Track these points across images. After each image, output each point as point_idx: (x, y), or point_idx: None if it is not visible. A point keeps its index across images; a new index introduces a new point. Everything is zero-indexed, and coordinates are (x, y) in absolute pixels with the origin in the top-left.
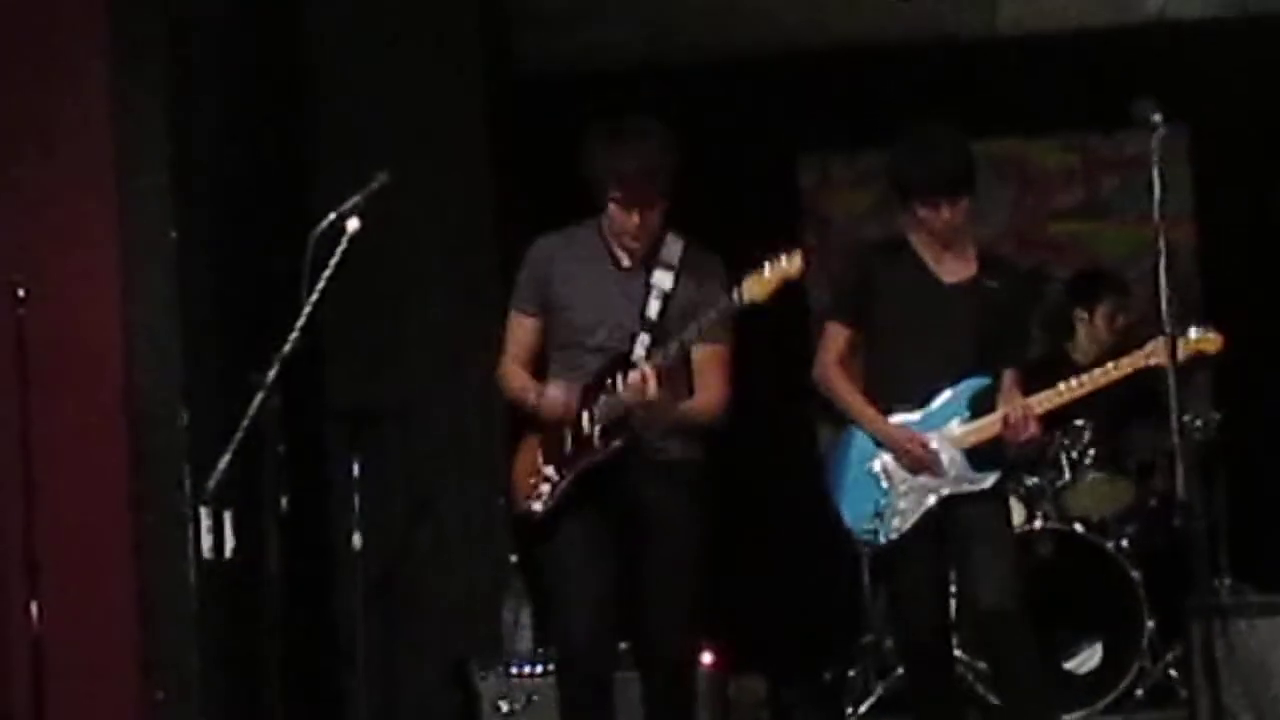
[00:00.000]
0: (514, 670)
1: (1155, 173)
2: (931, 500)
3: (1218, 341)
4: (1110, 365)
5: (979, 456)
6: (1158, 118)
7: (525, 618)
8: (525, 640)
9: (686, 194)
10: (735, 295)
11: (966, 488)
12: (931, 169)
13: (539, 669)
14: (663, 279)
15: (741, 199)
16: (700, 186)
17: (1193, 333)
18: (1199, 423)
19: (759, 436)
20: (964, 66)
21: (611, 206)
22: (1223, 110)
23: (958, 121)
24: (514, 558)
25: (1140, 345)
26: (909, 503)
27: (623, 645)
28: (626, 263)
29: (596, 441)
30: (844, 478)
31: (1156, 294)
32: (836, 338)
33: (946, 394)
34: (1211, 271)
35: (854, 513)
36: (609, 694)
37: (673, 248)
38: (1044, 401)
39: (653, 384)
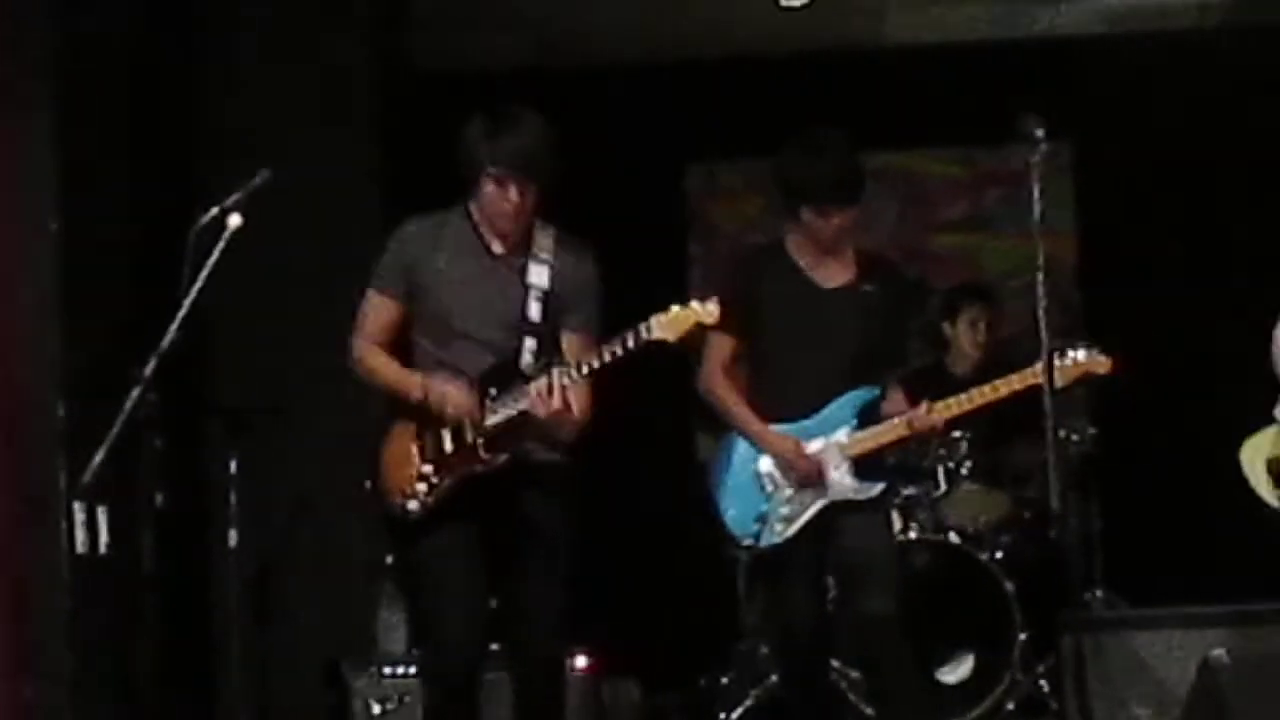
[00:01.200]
0: (386, 671)
1: (1036, 188)
2: (815, 507)
3: (1107, 364)
4: (1014, 377)
5: (865, 466)
6: (1041, 133)
7: (399, 619)
8: (399, 641)
9: (574, 200)
10: (643, 330)
11: (851, 496)
12: (823, 176)
13: (412, 670)
14: (539, 276)
15: (628, 206)
16: (587, 193)
17: (1082, 354)
18: (1075, 436)
19: (637, 442)
20: (851, 77)
21: (488, 187)
22: (1106, 127)
23: (844, 131)
24: (390, 558)
25: (1018, 358)
26: (792, 509)
27: (493, 647)
28: (498, 249)
29: (482, 451)
30: (727, 482)
31: (1036, 308)
32: (720, 347)
33: (833, 403)
34: (1091, 287)
35: (737, 517)
36: (476, 696)
37: (544, 239)
38: (950, 408)
39: (558, 400)
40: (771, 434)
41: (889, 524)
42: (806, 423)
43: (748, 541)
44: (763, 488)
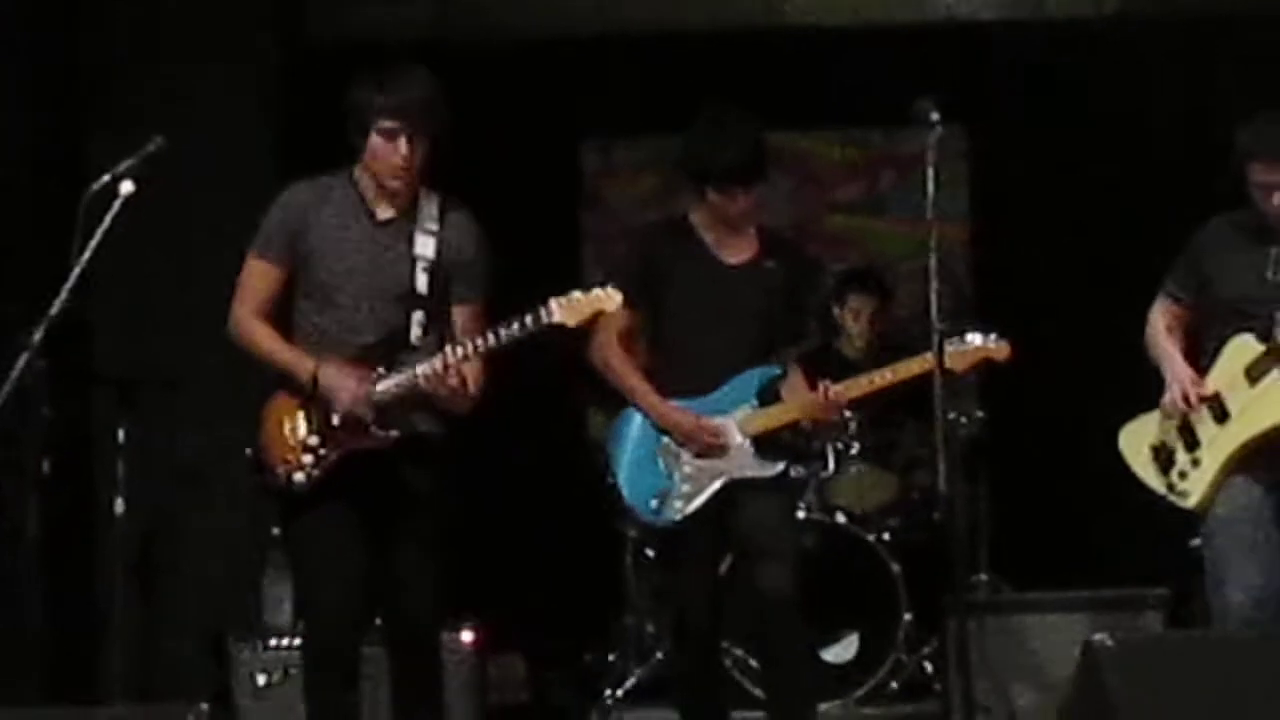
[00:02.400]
0: (271, 643)
1: (931, 172)
2: (715, 485)
3: (1005, 350)
4: (914, 361)
5: (766, 445)
6: (937, 117)
7: (285, 591)
8: (284, 614)
9: (469, 175)
10: (542, 313)
11: (751, 475)
12: (730, 157)
13: (296, 642)
14: (425, 246)
15: (523, 182)
16: (482, 168)
17: (979, 339)
18: (963, 420)
19: (526, 417)
20: (751, 57)
21: (377, 140)
22: (1002, 113)
23: (749, 111)
24: (275, 530)
25: (910, 341)
26: (692, 486)
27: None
28: (382, 215)
29: (372, 427)
30: (625, 457)
31: (929, 293)
32: (617, 319)
33: (733, 381)
34: (984, 272)
35: (636, 494)
36: (356, 670)
37: (430, 207)
38: (851, 390)
39: (454, 378)
40: (669, 408)
41: (792, 504)
42: (706, 399)
43: (647, 519)
44: (662, 465)
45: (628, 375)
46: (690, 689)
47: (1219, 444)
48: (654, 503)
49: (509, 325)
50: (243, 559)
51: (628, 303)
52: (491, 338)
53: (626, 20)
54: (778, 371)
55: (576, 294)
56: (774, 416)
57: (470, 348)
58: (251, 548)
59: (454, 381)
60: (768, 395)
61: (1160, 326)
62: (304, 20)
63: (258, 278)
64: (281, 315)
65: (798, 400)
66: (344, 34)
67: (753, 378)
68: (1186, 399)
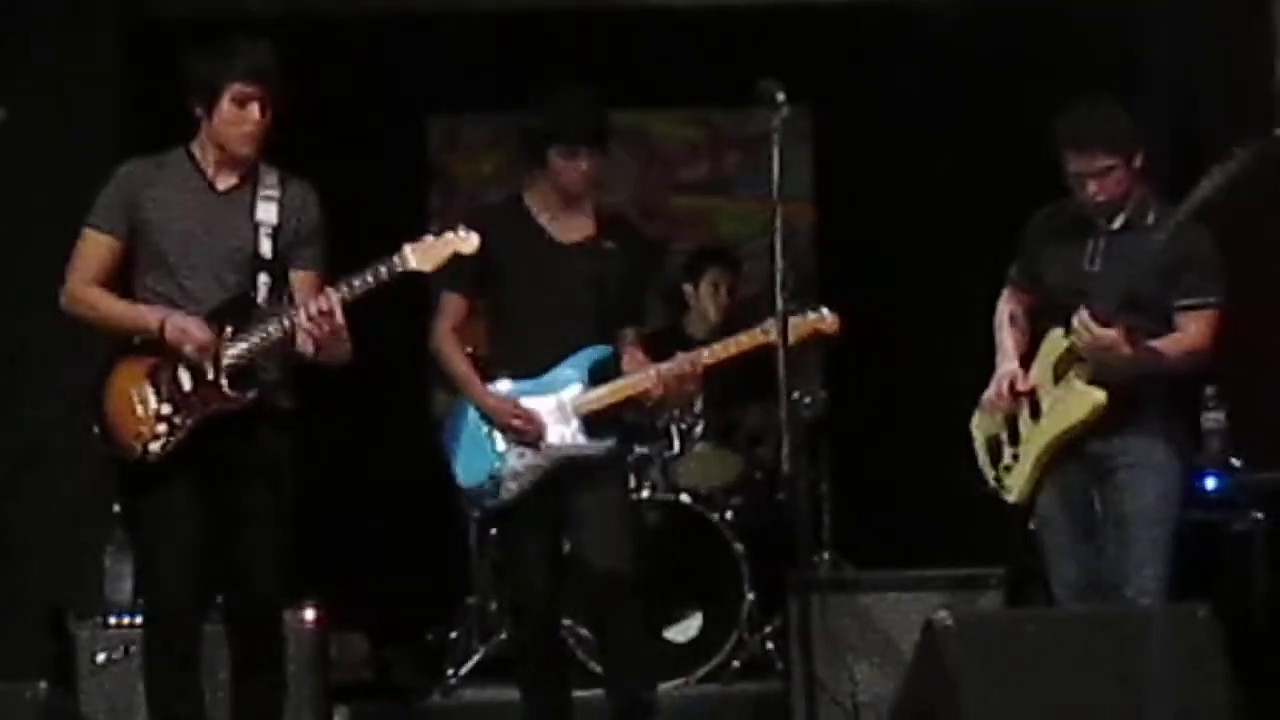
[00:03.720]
0: (111, 621)
1: (775, 152)
2: (545, 467)
3: (834, 323)
4: (743, 336)
5: (597, 423)
6: (781, 97)
7: (126, 568)
8: (124, 591)
9: (316, 151)
10: (396, 260)
11: (579, 454)
12: (574, 117)
13: (138, 620)
14: (267, 212)
15: (371, 158)
16: (328, 145)
17: (811, 314)
18: (807, 400)
19: (370, 394)
20: (596, 35)
21: (228, 108)
22: (846, 94)
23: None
24: (117, 506)
25: (754, 321)
26: (522, 467)
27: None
28: (222, 185)
29: (227, 389)
30: (459, 439)
31: (773, 272)
32: (452, 304)
33: (565, 361)
34: (827, 252)
35: (469, 476)
36: (197, 648)
37: (269, 176)
38: (683, 364)
39: (338, 317)
40: (487, 394)
41: (624, 483)
42: (540, 380)
43: (481, 501)
44: (494, 447)
45: (455, 362)
46: (530, 667)
47: (1033, 441)
48: (488, 485)
49: (365, 273)
50: (83, 535)
51: (461, 288)
52: (348, 286)
53: None
54: (609, 351)
55: (430, 237)
56: (604, 395)
57: (334, 296)
58: (92, 524)
59: (340, 321)
60: (600, 374)
61: (1004, 315)
62: None
63: (92, 249)
64: (117, 291)
65: (631, 379)
66: (189, 10)
67: (584, 358)
68: (1003, 394)
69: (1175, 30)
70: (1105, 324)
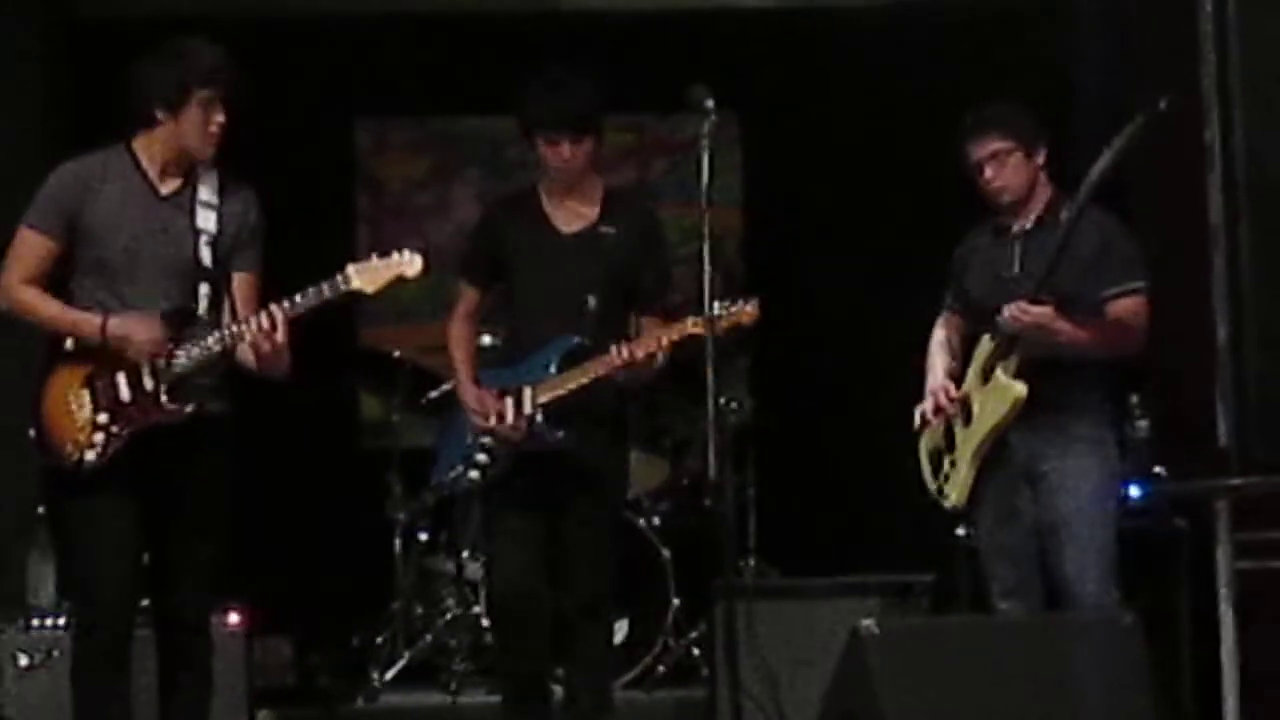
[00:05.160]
0: (34, 623)
1: (704, 157)
2: (507, 454)
3: (753, 312)
4: (683, 323)
5: (555, 415)
6: (710, 103)
7: (48, 571)
8: (48, 594)
9: (242, 153)
10: (339, 280)
11: (535, 446)
12: (555, 104)
13: (60, 622)
14: (207, 220)
15: (297, 160)
16: (256, 146)
17: (730, 305)
18: (734, 406)
19: (296, 399)
20: (524, 40)
21: (192, 111)
22: (775, 100)
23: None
24: (40, 509)
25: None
26: (487, 457)
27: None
28: (165, 190)
29: (166, 401)
30: (452, 426)
31: (701, 278)
32: (464, 297)
33: (538, 351)
34: (755, 258)
35: (446, 456)
36: (127, 653)
37: (208, 180)
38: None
39: (281, 334)
40: (466, 385)
41: (615, 491)
42: (514, 369)
43: (445, 484)
44: (466, 435)
45: (455, 352)
46: (511, 661)
47: (967, 444)
48: (459, 466)
49: (308, 292)
50: (5, 537)
51: (473, 278)
52: (290, 304)
53: (404, 1)
54: (575, 340)
55: (374, 260)
56: (557, 384)
57: (279, 314)
58: (15, 525)
59: (281, 338)
60: (570, 364)
61: (938, 339)
62: None
63: (29, 249)
64: (50, 290)
65: (575, 370)
66: (112, 10)
67: (554, 348)
68: (939, 405)
69: (1106, 38)
70: (1036, 303)
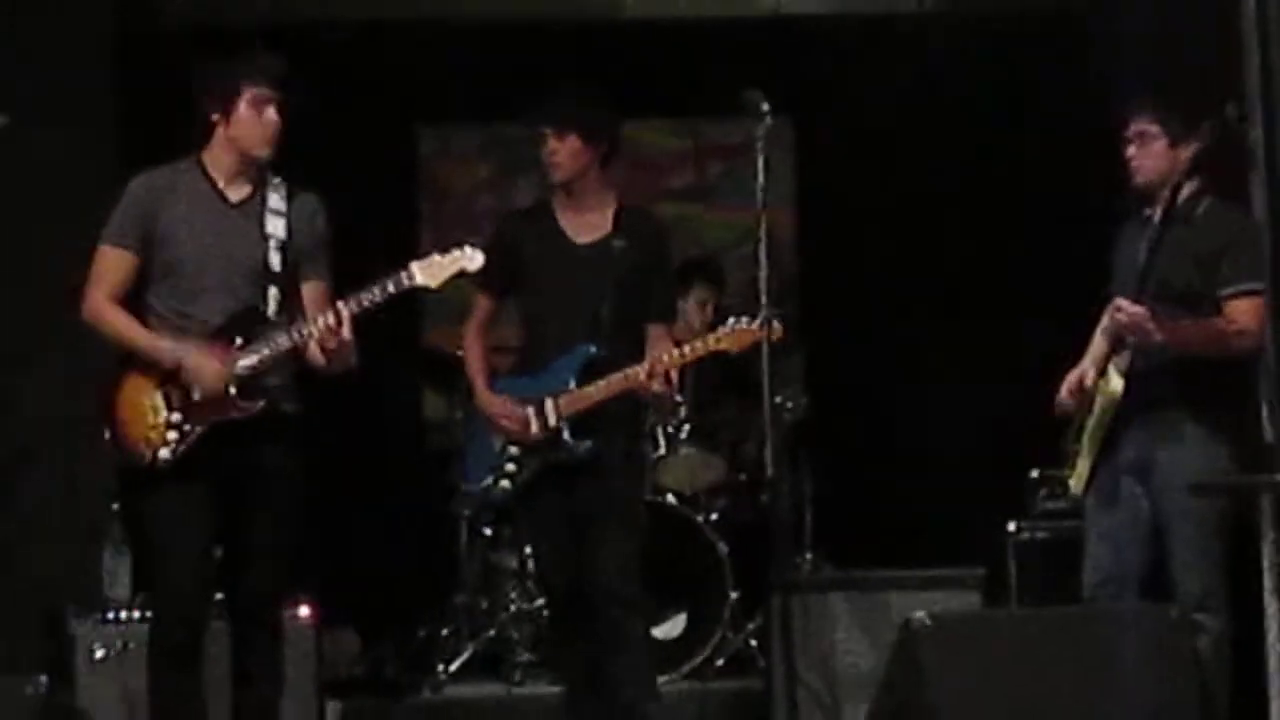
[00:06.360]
0: (110, 617)
1: (760, 161)
2: (533, 464)
3: (773, 333)
4: (706, 340)
5: (579, 425)
6: (765, 108)
7: (123, 565)
8: (123, 587)
9: (309, 158)
10: (403, 276)
11: (561, 456)
12: (541, 101)
13: (135, 615)
14: (276, 227)
15: (362, 166)
16: (320, 152)
17: (745, 321)
18: (789, 404)
19: (362, 394)
20: (587, 46)
21: (244, 112)
22: (828, 105)
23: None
24: (115, 505)
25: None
26: (515, 466)
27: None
28: (234, 197)
29: (238, 400)
30: (475, 437)
31: (756, 279)
32: (479, 306)
33: (559, 361)
34: (809, 260)
35: (474, 465)
36: (202, 645)
37: (277, 188)
38: (656, 364)
39: (347, 331)
40: (484, 392)
41: (624, 486)
42: (536, 380)
43: (485, 496)
44: (493, 445)
45: (470, 361)
46: (565, 653)
47: (1086, 436)
48: (488, 476)
49: (373, 288)
50: (81, 533)
51: (487, 289)
52: (357, 301)
53: (466, 8)
54: (593, 349)
55: (436, 256)
56: (581, 397)
57: (345, 310)
58: (90, 521)
59: (348, 334)
60: (589, 373)
61: (1100, 326)
62: (146, 3)
63: (112, 265)
64: (132, 302)
65: (602, 382)
66: (184, 19)
67: (575, 357)
68: (1071, 393)
69: (1150, 43)
70: (1136, 303)
